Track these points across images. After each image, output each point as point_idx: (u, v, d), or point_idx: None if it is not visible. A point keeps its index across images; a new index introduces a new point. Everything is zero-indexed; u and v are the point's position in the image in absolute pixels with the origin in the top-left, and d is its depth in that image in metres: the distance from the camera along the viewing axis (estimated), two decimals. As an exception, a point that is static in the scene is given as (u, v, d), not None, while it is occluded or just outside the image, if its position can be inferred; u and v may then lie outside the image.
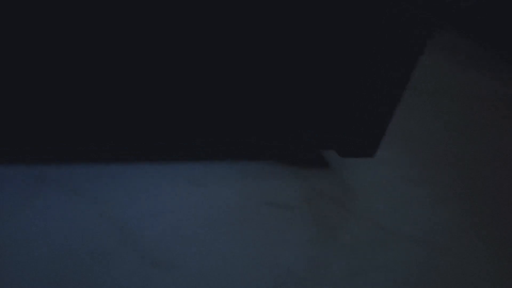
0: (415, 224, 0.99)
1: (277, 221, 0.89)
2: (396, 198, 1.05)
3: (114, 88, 0.82)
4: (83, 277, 0.70)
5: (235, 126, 0.94)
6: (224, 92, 0.89)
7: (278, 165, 1.06)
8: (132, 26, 0.78)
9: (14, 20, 0.72)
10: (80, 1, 0.73)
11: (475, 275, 0.90)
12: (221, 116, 0.92)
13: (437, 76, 1.83)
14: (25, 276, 0.68)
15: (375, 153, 1.05)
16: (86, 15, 0.75)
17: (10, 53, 0.74)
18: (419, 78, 1.77)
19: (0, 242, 0.72)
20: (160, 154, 0.99)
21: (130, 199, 0.85)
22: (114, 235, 0.77)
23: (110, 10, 0.75)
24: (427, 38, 0.96)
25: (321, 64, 0.92)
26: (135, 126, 0.87)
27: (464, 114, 1.57)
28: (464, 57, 2.08)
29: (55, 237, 0.75)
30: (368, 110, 1.00)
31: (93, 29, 0.76)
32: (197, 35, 0.82)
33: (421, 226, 0.99)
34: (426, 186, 1.13)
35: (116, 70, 0.80)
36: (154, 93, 0.85)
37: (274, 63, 0.89)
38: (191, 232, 0.82)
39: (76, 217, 0.79)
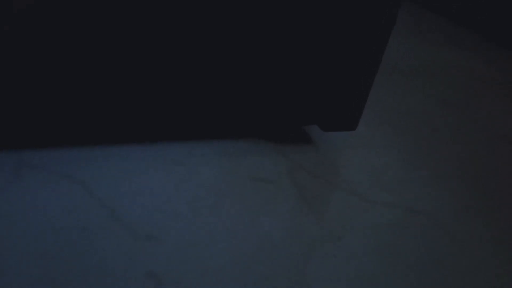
0: (392, 191, 1.02)
1: (258, 194, 0.91)
2: (375, 170, 1.08)
3: (98, 73, 0.82)
4: (72, 251, 0.73)
5: (217, 104, 0.95)
6: (204, 71, 0.90)
7: (260, 143, 1.07)
8: (123, 21, 0.78)
9: (12, 16, 0.72)
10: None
11: (449, 234, 0.93)
12: (202, 95, 0.93)
13: (417, 56, 1.85)
14: (16, 252, 0.71)
15: (356, 126, 1.07)
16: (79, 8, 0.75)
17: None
18: (399, 60, 1.79)
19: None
20: (143, 136, 1.00)
21: (115, 179, 0.87)
22: (101, 212, 0.80)
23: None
24: (395, 16, 0.97)
25: (302, 42, 0.93)
26: (118, 110, 0.88)
27: (445, 92, 1.59)
28: (443, 38, 2.10)
29: (44, 215, 0.78)
30: (348, 85, 1.01)
31: (82, 21, 0.76)
32: (179, 17, 0.82)
33: (398, 193, 1.02)
34: (420, 169, 1.15)
35: (99, 54, 0.81)
36: (137, 76, 0.85)
37: (254, 41, 0.90)
38: (175, 207, 0.84)
39: (63, 197, 0.81)
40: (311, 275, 0.77)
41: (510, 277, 0.85)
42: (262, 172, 0.98)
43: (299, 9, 0.91)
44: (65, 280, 0.67)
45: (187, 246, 0.77)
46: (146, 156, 0.95)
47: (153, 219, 0.81)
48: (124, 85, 0.86)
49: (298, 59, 0.96)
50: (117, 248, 0.74)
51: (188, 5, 0.83)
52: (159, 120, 0.93)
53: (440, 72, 1.70)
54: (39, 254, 0.70)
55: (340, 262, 0.81)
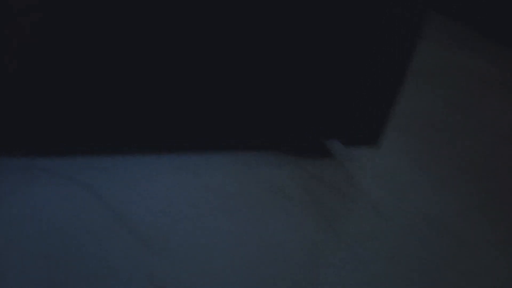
0: (414, 207, 1.02)
1: (271, 203, 0.93)
2: (396, 184, 1.08)
3: (109, 82, 0.82)
4: (77, 253, 0.73)
5: (237, 119, 0.94)
6: (223, 82, 0.89)
7: (279, 155, 1.06)
8: (123, 24, 0.76)
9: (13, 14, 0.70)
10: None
11: (457, 237, 0.94)
12: (222, 108, 0.91)
13: (417, 56, 1.86)
14: (21, 253, 0.70)
15: (378, 141, 1.06)
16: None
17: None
18: (414, 62, 1.79)
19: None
20: (157, 146, 1.00)
21: (122, 184, 0.88)
22: (108, 216, 0.80)
23: None
24: (421, 25, 0.97)
25: (321, 54, 0.92)
26: (132, 119, 0.87)
27: (446, 92, 1.61)
28: (443, 37, 2.11)
29: (51, 218, 0.77)
30: (370, 99, 1.00)
31: (87, 26, 0.75)
32: (188, 21, 0.81)
33: (421, 209, 1.02)
34: (427, 171, 1.16)
35: (110, 63, 0.80)
36: (153, 85, 0.85)
37: (273, 52, 0.89)
38: (183, 213, 0.85)
39: (71, 200, 0.82)
40: (320, 282, 0.78)
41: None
42: (279, 185, 0.98)
43: (322, 23, 0.89)
44: (69, 282, 0.68)
45: (193, 249, 0.78)
46: (159, 165, 0.95)
47: (160, 224, 0.81)
48: (136, 94, 0.85)
49: (320, 75, 0.95)
50: (122, 251, 0.75)
51: (207, 12, 0.81)
52: (176, 130, 0.92)
53: (441, 72, 1.71)
54: (44, 256, 0.70)
55: (350, 268, 0.82)
